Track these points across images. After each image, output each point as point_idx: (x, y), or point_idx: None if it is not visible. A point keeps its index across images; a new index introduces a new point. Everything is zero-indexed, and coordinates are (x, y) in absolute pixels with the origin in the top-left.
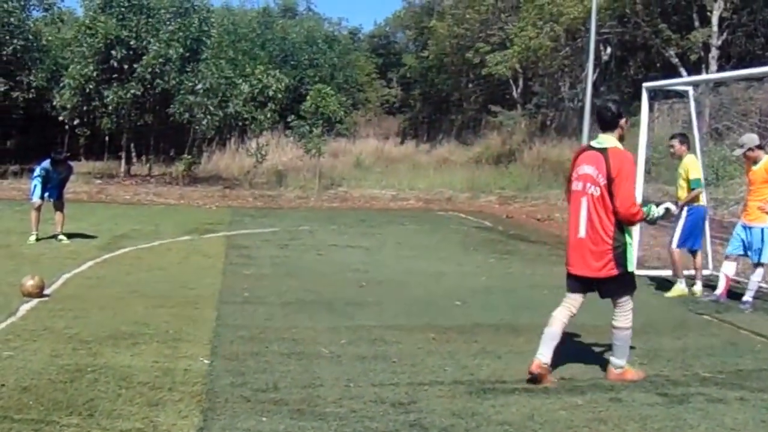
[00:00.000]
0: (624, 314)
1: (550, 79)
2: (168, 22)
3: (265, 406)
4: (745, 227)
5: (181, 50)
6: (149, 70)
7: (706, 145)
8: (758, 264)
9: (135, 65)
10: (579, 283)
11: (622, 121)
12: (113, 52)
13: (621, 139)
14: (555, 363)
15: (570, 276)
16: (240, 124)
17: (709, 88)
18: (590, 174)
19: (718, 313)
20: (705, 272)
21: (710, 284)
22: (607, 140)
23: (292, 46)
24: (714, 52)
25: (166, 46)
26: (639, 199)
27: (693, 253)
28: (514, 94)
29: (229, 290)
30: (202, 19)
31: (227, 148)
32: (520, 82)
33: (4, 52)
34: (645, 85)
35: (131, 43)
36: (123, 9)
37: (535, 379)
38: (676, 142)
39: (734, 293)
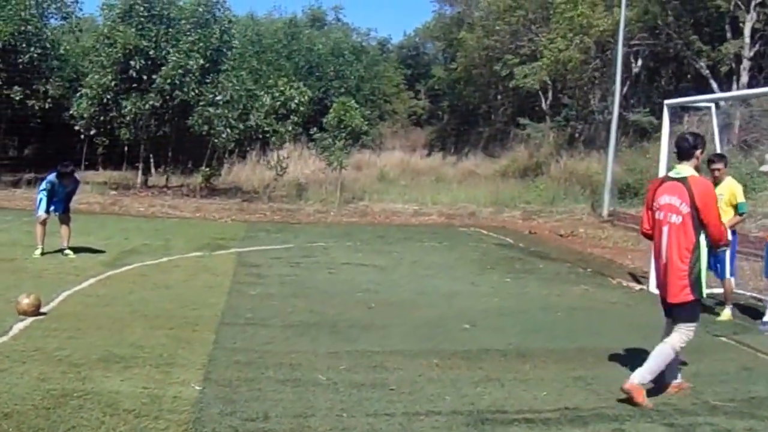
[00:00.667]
0: (681, 336)
1: (580, 92)
2: (188, 33)
3: None
4: None
5: (201, 61)
6: (168, 80)
7: (734, 158)
8: None
9: (154, 76)
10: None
11: (698, 152)
12: (132, 62)
13: (697, 168)
14: (558, 391)
15: (661, 300)
16: (259, 136)
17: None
18: (672, 204)
19: (735, 335)
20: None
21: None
22: (685, 170)
23: (318, 57)
24: (746, 63)
25: (185, 57)
26: None
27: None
28: (544, 106)
29: (232, 311)
30: (223, 29)
31: (248, 160)
32: (550, 94)
33: (21, 60)
34: (666, 102)
35: (150, 53)
36: (142, 19)
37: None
38: (721, 165)
39: (757, 312)
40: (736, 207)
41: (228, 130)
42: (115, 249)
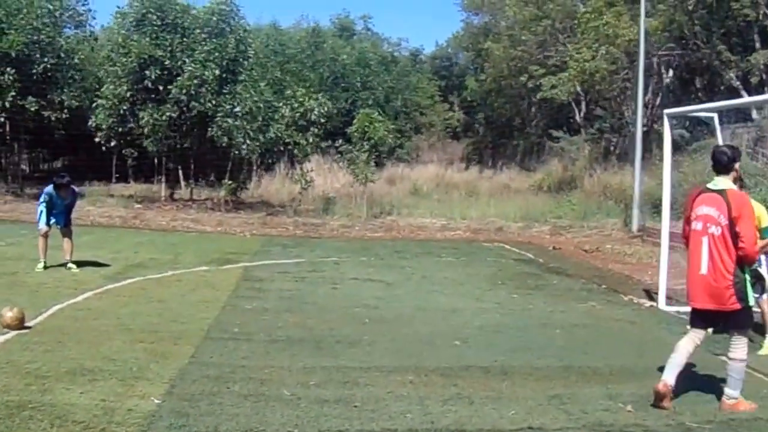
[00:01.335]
0: (740, 347)
1: (614, 103)
2: (203, 42)
3: None
4: None
5: (216, 71)
6: (184, 91)
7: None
8: None
9: (170, 86)
10: (701, 318)
11: (737, 165)
12: (147, 72)
13: (734, 180)
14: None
15: (694, 311)
16: (281, 149)
17: None
18: (711, 215)
19: None
20: None
21: None
22: (723, 182)
23: (343, 67)
24: None
25: (201, 67)
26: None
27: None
28: (577, 118)
29: (220, 326)
30: (238, 39)
31: (277, 173)
32: (583, 106)
33: (35, 71)
34: (666, 112)
35: (166, 63)
36: (156, 27)
37: (658, 396)
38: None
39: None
40: (761, 231)
41: (248, 141)
42: (122, 263)
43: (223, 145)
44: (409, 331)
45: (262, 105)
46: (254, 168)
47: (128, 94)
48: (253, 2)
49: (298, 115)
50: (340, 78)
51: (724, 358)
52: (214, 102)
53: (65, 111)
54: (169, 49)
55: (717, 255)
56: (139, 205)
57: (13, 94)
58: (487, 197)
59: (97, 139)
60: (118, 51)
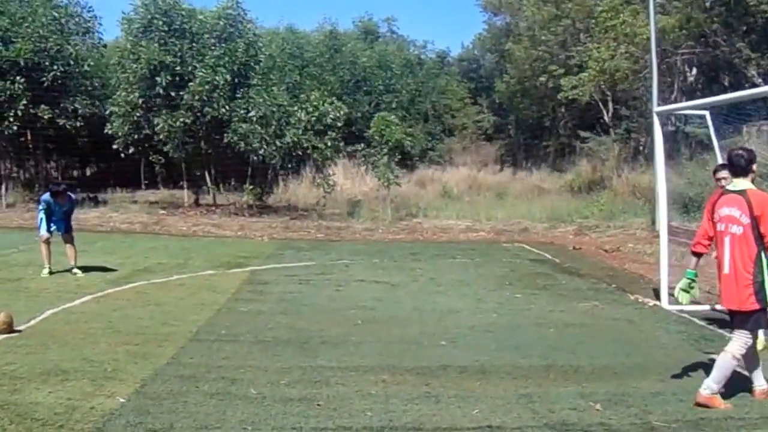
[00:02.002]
0: (739, 344)
1: (639, 102)
2: (213, 47)
3: None
4: None
5: (228, 76)
6: (197, 97)
7: None
8: None
9: (182, 92)
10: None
11: (754, 166)
12: (158, 79)
13: (752, 181)
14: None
15: (729, 312)
16: (300, 153)
17: None
18: (733, 215)
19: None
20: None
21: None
22: (742, 183)
23: (364, 70)
24: None
25: (212, 72)
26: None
27: None
28: (606, 118)
29: (209, 328)
30: (248, 43)
31: (303, 177)
32: (610, 106)
33: (45, 79)
34: (656, 109)
35: (176, 68)
36: (163, 33)
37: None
38: (728, 174)
39: None
40: None
41: (264, 146)
42: (128, 268)
43: (240, 150)
44: (399, 332)
45: (275, 109)
46: (279, 172)
47: (140, 101)
48: (275, 6)
49: (314, 119)
50: (361, 81)
51: (715, 356)
52: (227, 107)
53: (79, 119)
54: (179, 54)
55: (738, 254)
56: (163, 211)
57: (25, 102)
58: (513, 198)
59: (114, 146)
60: (128, 57)
